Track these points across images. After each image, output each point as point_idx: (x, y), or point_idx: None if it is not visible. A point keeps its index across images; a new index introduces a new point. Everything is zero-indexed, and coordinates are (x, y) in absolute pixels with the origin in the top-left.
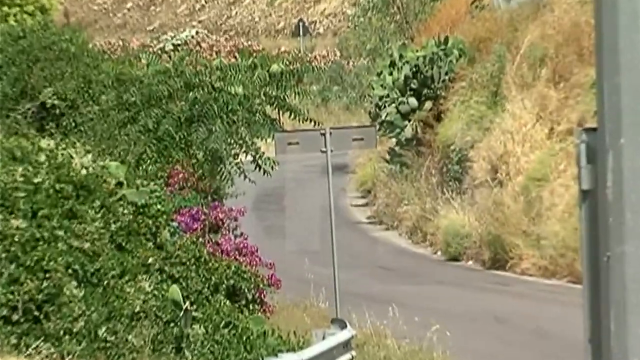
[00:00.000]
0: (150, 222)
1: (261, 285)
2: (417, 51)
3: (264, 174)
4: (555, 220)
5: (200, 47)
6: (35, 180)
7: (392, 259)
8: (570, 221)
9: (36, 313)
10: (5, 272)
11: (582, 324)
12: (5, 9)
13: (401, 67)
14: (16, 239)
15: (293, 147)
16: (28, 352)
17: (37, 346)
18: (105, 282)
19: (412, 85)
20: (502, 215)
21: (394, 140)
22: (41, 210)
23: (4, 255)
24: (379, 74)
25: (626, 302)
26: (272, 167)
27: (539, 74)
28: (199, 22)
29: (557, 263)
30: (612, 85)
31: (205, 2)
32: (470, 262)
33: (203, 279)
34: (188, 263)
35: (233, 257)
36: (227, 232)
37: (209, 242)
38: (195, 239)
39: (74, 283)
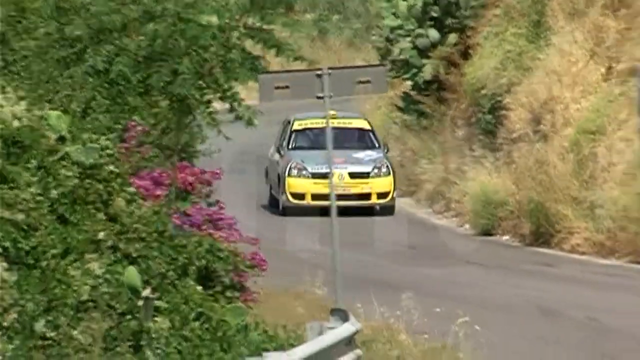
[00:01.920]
0: (101, 187)
1: (242, 267)
2: None
3: (246, 125)
4: (613, 184)
5: None
6: None
7: (408, 233)
8: (632, 185)
9: None
10: None
11: None
12: None
13: None
14: None
15: (281, 92)
16: None
17: None
18: (44, 264)
19: (433, 14)
20: (546, 178)
21: (409, 83)
22: None
23: None
24: (389, 0)
25: None
26: (251, 120)
27: (591, 1)
28: None
29: (616, 238)
30: None
31: None
32: (506, 237)
33: (168, 259)
34: (149, 239)
35: (206, 232)
36: (199, 199)
37: (175, 212)
38: (158, 209)
39: (4, 264)
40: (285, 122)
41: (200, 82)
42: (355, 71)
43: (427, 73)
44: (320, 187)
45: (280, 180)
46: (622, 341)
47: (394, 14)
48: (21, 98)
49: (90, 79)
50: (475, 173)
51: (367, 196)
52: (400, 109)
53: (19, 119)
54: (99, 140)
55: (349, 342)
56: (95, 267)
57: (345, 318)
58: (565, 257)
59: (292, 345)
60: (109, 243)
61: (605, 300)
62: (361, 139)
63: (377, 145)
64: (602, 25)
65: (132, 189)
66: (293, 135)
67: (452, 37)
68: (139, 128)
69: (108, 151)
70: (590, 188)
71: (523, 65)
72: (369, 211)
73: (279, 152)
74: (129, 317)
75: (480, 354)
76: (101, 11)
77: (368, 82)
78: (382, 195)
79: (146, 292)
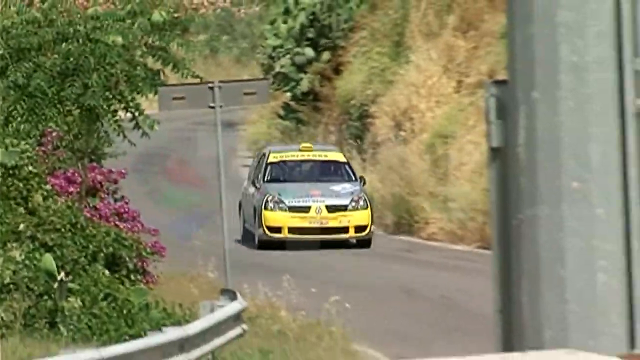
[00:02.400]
0: (21, 185)
1: (144, 254)
2: None
3: (142, 135)
4: (463, 181)
5: None
6: None
7: None
8: (480, 182)
9: None
10: None
11: (492, 295)
12: None
13: (297, 15)
14: None
15: (178, 102)
16: None
17: None
18: None
19: (309, 35)
20: (406, 175)
21: (288, 94)
22: None
23: None
24: (272, 22)
25: (539, 271)
26: (152, 126)
27: (445, 21)
28: None
29: (466, 227)
30: (525, 34)
31: None
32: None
33: (80, 247)
34: (63, 230)
35: (112, 223)
36: (106, 195)
37: (86, 206)
38: (71, 204)
39: None
40: (260, 154)
41: (108, 94)
42: (242, 84)
43: (304, 86)
44: (298, 220)
45: (256, 213)
46: (471, 318)
47: (275, 34)
48: None
49: (12, 92)
50: None
51: (344, 230)
52: (280, 116)
53: None
54: (19, 145)
55: (236, 318)
56: (16, 254)
57: (233, 297)
58: (422, 244)
59: (188, 321)
60: (28, 233)
61: (458, 281)
62: (337, 171)
63: (353, 177)
64: (453, 45)
65: (48, 187)
66: (269, 168)
67: (326, 55)
68: (54, 134)
69: (27, 154)
70: (444, 184)
71: (386, 79)
72: (346, 244)
73: (254, 185)
74: (45, 297)
75: (350, 328)
76: (20, 33)
77: (253, 93)
78: (359, 229)
79: (61, 276)
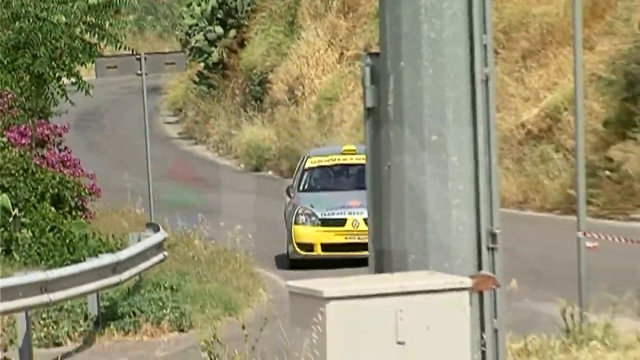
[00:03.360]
0: None
1: (83, 194)
2: None
3: (85, 94)
4: (344, 135)
5: None
6: None
7: (201, 170)
8: (357, 135)
9: None
10: None
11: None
12: None
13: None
14: None
15: (112, 70)
16: None
17: None
18: None
19: (219, 15)
20: (297, 131)
21: (202, 64)
22: None
23: None
24: (188, 5)
25: (404, 207)
26: (87, 91)
27: (330, 5)
28: None
29: None
30: (393, 15)
31: None
32: (270, 172)
33: (30, 189)
34: (17, 174)
35: (58, 169)
36: (52, 146)
37: (36, 155)
38: (23, 153)
39: None
40: (302, 158)
41: (53, 63)
42: (164, 56)
43: (214, 57)
44: (332, 235)
45: (288, 227)
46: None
47: (191, 15)
48: None
49: None
50: (248, 128)
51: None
52: (195, 82)
53: None
54: None
55: (159, 247)
56: None
57: (157, 230)
58: None
59: (119, 249)
60: None
61: None
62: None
63: None
64: (336, 24)
65: (4, 139)
66: (305, 175)
67: (232, 32)
68: (10, 96)
69: None
70: (328, 138)
71: (281, 52)
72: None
73: (288, 194)
74: (2, 229)
75: (251, 253)
76: None
77: (173, 63)
78: None
79: (15, 212)
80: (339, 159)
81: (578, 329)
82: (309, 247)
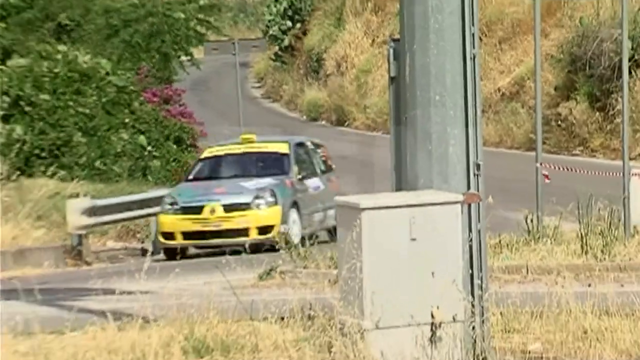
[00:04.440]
0: (127, 97)
1: (195, 136)
2: None
3: (196, 68)
4: (375, 96)
5: None
6: (55, 70)
7: (277, 119)
8: (384, 97)
9: (56, 152)
10: (37, 127)
11: (388, 158)
12: None
13: (281, 2)
14: (43, 107)
15: (215, 51)
16: (50, 175)
17: (56, 173)
18: (99, 134)
19: (289, 13)
20: (343, 93)
21: (277, 47)
22: (59, 89)
23: (36, 116)
24: (268, 6)
25: (417, 145)
26: (198, 66)
27: (365, 6)
28: None
29: (377, 122)
30: (409, 12)
31: None
32: (323, 122)
33: (159, 132)
34: (150, 122)
35: (178, 119)
36: (174, 103)
37: (162, 109)
38: (154, 108)
39: (80, 134)
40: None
41: (175, 46)
42: (251, 41)
43: (285, 42)
44: (190, 223)
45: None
46: (377, 169)
47: (270, 13)
48: (87, 53)
49: (123, 45)
50: (308, 91)
51: (244, 232)
52: (272, 59)
53: (86, 63)
54: (126, 75)
55: None
56: (125, 135)
57: None
58: (351, 132)
59: None
60: (131, 124)
61: (371, 152)
62: (270, 164)
63: (286, 171)
64: (370, 19)
65: (142, 98)
66: (197, 166)
67: (298, 25)
68: (145, 68)
69: (130, 79)
70: (364, 98)
71: (332, 39)
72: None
73: None
74: (140, 160)
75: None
76: (127, 11)
77: (257, 46)
78: (263, 230)
79: (148, 148)
80: (235, 149)
81: (535, 229)
82: (170, 235)
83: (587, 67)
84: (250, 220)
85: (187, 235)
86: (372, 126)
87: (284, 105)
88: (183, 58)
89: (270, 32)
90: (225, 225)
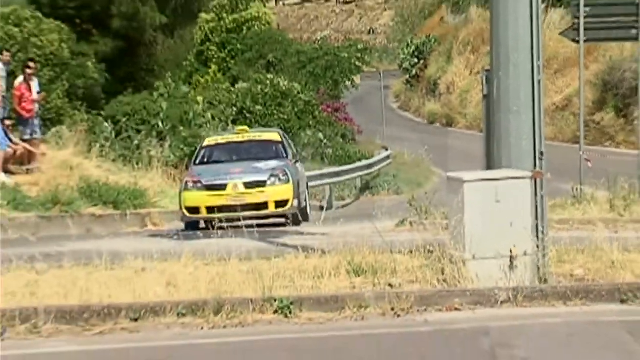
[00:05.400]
0: (311, 108)
1: (354, 133)
2: (418, 40)
3: (356, 89)
4: (472, 108)
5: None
6: (265, 90)
7: (407, 123)
8: (478, 107)
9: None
10: (254, 128)
11: (481, 148)
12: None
13: (411, 46)
14: (257, 114)
15: (368, 78)
16: None
17: None
18: (293, 131)
19: (415, 54)
20: (450, 105)
21: (408, 76)
22: (267, 102)
23: (252, 120)
24: (402, 49)
25: (501, 141)
26: (356, 87)
27: (466, 49)
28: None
29: (472, 125)
30: (496, 52)
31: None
32: (437, 124)
33: (332, 131)
34: (325, 124)
35: (343, 121)
36: (341, 112)
37: (334, 116)
38: (328, 115)
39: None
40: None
41: (342, 75)
42: (391, 72)
43: (413, 72)
44: (214, 199)
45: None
46: (473, 156)
47: (403, 53)
48: (285, 80)
49: (308, 75)
50: (428, 104)
51: (263, 205)
52: (405, 84)
53: (285, 86)
54: (310, 93)
55: (387, 157)
56: (310, 133)
57: (386, 149)
58: (456, 131)
59: (367, 159)
60: (314, 125)
61: (471, 145)
62: (268, 150)
63: (284, 155)
64: (469, 57)
65: (320, 108)
66: (202, 152)
67: (422, 62)
68: (322, 89)
69: (312, 95)
70: (464, 108)
71: (444, 70)
72: (282, 223)
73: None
74: (319, 149)
75: (429, 160)
76: (309, 51)
77: (394, 75)
78: (280, 204)
79: (324, 141)
80: (231, 138)
81: (579, 196)
82: (196, 210)
83: (615, 89)
84: (268, 195)
85: (211, 209)
86: (470, 127)
87: (412, 113)
88: (347, 83)
89: (404, 65)
90: (248, 200)
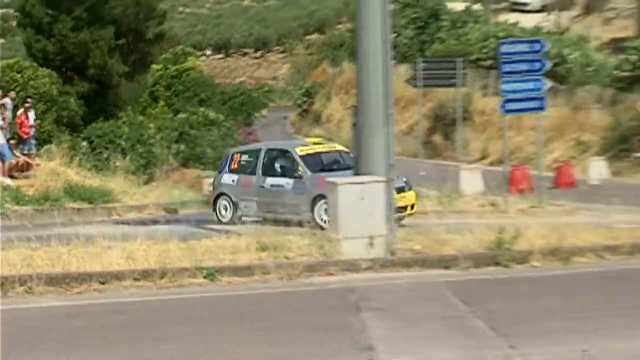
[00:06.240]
0: (231, 131)
1: None
2: (308, 84)
3: (263, 118)
4: (345, 132)
5: None
6: (198, 119)
7: (299, 143)
8: (349, 133)
9: (201, 156)
10: (190, 145)
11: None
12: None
13: (302, 89)
14: (193, 136)
15: (272, 111)
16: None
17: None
18: (220, 147)
19: (306, 94)
20: (330, 130)
21: (300, 109)
22: (199, 128)
23: (187, 139)
24: (296, 90)
25: (367, 154)
26: (264, 117)
27: (341, 90)
28: None
29: (347, 144)
30: (360, 96)
31: None
32: None
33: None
34: (242, 143)
35: (254, 142)
36: (253, 134)
37: (247, 137)
38: (244, 136)
39: (210, 150)
40: (256, 150)
41: (253, 109)
42: (289, 107)
43: (304, 107)
44: (399, 199)
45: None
46: None
47: (297, 93)
48: (213, 111)
49: (228, 107)
50: (315, 130)
51: (405, 208)
52: (299, 115)
53: (213, 116)
54: (230, 122)
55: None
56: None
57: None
58: None
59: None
60: (234, 143)
61: None
62: (349, 160)
63: None
64: (343, 97)
65: (238, 132)
66: (305, 160)
67: (309, 99)
68: (240, 119)
69: (232, 123)
70: (343, 132)
71: (325, 106)
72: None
73: (286, 175)
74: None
75: None
76: (231, 91)
77: (290, 109)
78: (412, 207)
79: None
80: (316, 148)
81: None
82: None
83: (442, 120)
84: (408, 199)
85: (400, 208)
86: (344, 146)
87: (303, 136)
88: (257, 114)
89: (297, 102)
90: (400, 203)
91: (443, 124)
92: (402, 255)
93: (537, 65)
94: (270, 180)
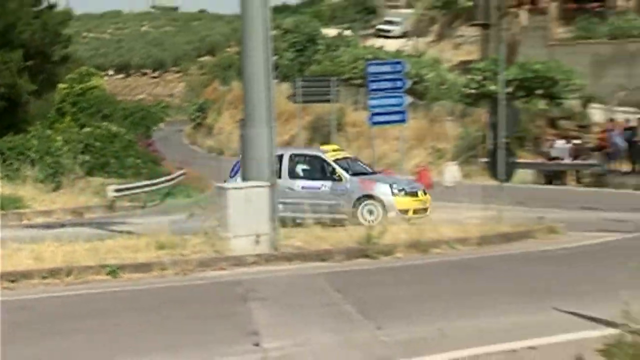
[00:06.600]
0: (132, 143)
1: (160, 159)
2: (201, 100)
3: (158, 130)
4: (234, 143)
5: None
6: (102, 133)
7: (194, 153)
8: (237, 143)
9: (107, 166)
10: (95, 156)
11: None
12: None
13: (197, 104)
14: (96, 148)
15: (169, 124)
16: (105, 176)
17: (107, 174)
18: (120, 157)
19: (199, 109)
20: (221, 141)
21: (194, 123)
22: (103, 141)
23: (92, 150)
24: (190, 106)
25: (251, 162)
26: (161, 130)
27: (230, 105)
28: None
29: (236, 154)
30: (247, 110)
31: None
32: (213, 154)
33: (146, 157)
34: (141, 153)
35: (153, 152)
36: (152, 146)
37: (146, 148)
38: (143, 148)
39: (113, 160)
40: (315, 156)
41: (152, 122)
42: (184, 121)
43: (198, 121)
44: (418, 203)
45: (385, 200)
46: None
47: (192, 109)
48: (115, 126)
49: (129, 121)
50: (204, 141)
51: (426, 209)
52: (193, 128)
53: (115, 130)
54: (131, 134)
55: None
56: (132, 158)
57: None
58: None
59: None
60: (133, 154)
61: None
62: (355, 167)
63: (372, 169)
64: (233, 111)
65: (139, 144)
66: (339, 164)
67: (203, 114)
68: (140, 132)
69: (133, 136)
70: (230, 144)
71: (217, 120)
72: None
73: (325, 178)
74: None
75: None
76: (132, 107)
77: (185, 123)
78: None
79: (139, 162)
80: (337, 155)
81: None
82: (406, 211)
83: (320, 131)
84: (427, 201)
85: (416, 211)
86: (233, 155)
87: (197, 146)
88: (155, 128)
89: (192, 117)
90: (427, 204)
91: (320, 134)
92: (284, 250)
93: (399, 83)
94: (300, 183)
